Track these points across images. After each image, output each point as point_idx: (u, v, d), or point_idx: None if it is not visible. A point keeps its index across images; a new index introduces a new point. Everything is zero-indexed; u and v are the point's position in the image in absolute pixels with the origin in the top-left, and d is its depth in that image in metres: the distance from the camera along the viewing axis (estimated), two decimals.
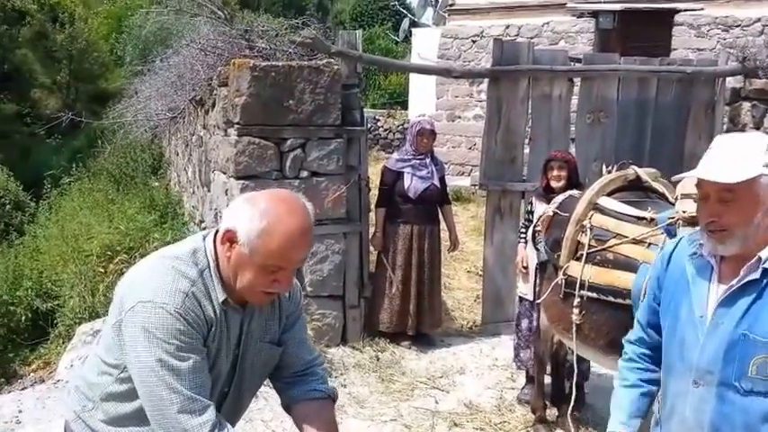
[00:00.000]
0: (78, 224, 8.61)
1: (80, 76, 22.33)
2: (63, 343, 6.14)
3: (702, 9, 11.61)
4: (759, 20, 11.29)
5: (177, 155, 10.61)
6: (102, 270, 6.83)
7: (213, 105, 6.59)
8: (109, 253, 7.06)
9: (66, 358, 5.46)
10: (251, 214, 1.93)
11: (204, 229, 6.29)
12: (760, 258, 1.93)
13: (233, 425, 2.12)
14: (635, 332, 2.39)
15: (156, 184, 10.77)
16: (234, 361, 2.12)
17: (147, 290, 1.94)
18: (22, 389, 5.43)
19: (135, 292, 1.96)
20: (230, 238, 1.96)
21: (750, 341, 1.91)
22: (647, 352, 2.33)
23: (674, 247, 2.22)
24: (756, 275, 1.93)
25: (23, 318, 6.71)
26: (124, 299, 1.98)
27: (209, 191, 6.94)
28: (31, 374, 6.09)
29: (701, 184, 1.99)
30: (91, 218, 8.71)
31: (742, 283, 1.95)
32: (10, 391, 5.50)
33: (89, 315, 6.17)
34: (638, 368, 2.34)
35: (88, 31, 22.72)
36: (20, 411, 4.74)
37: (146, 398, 1.93)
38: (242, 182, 5.40)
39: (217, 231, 2.03)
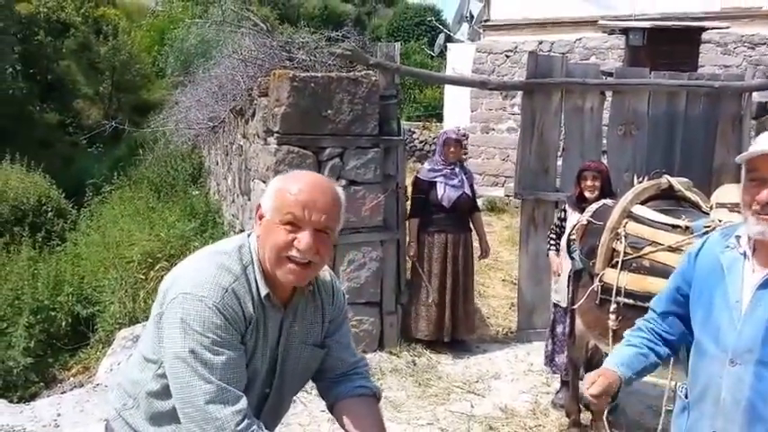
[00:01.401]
0: (119, 231, 8.67)
1: (122, 86, 22.70)
2: (103, 348, 6.20)
3: (729, 27, 11.75)
4: None
5: (217, 164, 10.74)
6: (143, 277, 6.90)
7: (253, 115, 6.69)
8: (149, 260, 7.15)
9: (105, 363, 5.52)
10: (271, 184, 2.03)
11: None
12: None
13: (273, 427, 2.15)
14: (646, 316, 2.51)
15: (197, 192, 10.84)
16: (273, 362, 2.11)
17: (190, 283, 1.95)
18: (62, 393, 5.49)
19: (178, 285, 1.98)
20: (259, 214, 2.01)
21: None
22: (655, 328, 2.44)
23: (702, 246, 2.31)
24: None
25: (64, 323, 6.76)
26: (168, 291, 2.00)
27: (249, 199, 7.02)
28: (71, 379, 6.14)
29: (758, 166, 2.05)
30: (132, 225, 8.77)
31: None
32: (49, 395, 5.54)
33: (129, 321, 6.23)
34: (642, 336, 2.45)
35: (131, 44, 23.08)
36: (58, 415, 4.79)
37: (176, 389, 1.92)
38: None
39: None
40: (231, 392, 1.90)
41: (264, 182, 5.87)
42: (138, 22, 26.16)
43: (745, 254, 2.14)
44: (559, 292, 5.14)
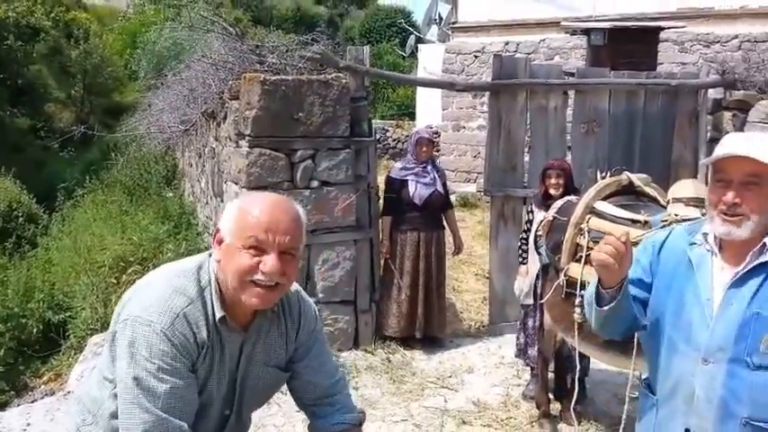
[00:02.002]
0: (91, 236, 8.56)
1: (94, 90, 22.53)
2: (74, 354, 6.14)
3: (685, 27, 12.10)
4: (737, 36, 11.79)
5: (191, 166, 10.72)
6: (115, 281, 6.82)
7: (225, 118, 6.70)
8: (122, 264, 7.05)
9: (77, 370, 5.46)
10: (230, 207, 1.96)
11: None
12: (765, 244, 2.06)
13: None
14: None
15: (171, 194, 10.75)
16: (232, 384, 2.06)
17: (141, 305, 1.90)
18: (32, 401, 5.43)
19: (131, 305, 1.93)
20: (218, 238, 1.94)
21: (763, 318, 2.03)
22: None
23: (666, 237, 2.34)
24: (766, 258, 2.06)
25: (35, 330, 6.66)
26: (121, 311, 1.95)
27: (222, 201, 7.03)
28: (42, 387, 6.04)
29: (725, 168, 2.09)
30: (104, 229, 8.68)
31: (752, 266, 2.07)
32: (20, 404, 5.46)
33: (101, 326, 6.16)
34: None
35: (102, 47, 22.93)
36: (28, 424, 4.74)
37: (120, 413, 1.89)
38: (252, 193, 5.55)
39: None
40: (171, 423, 1.85)
41: (237, 183, 5.91)
42: (109, 26, 25.97)
43: (712, 251, 2.18)
44: (523, 291, 5.26)
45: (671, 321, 2.25)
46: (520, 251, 5.45)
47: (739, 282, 2.10)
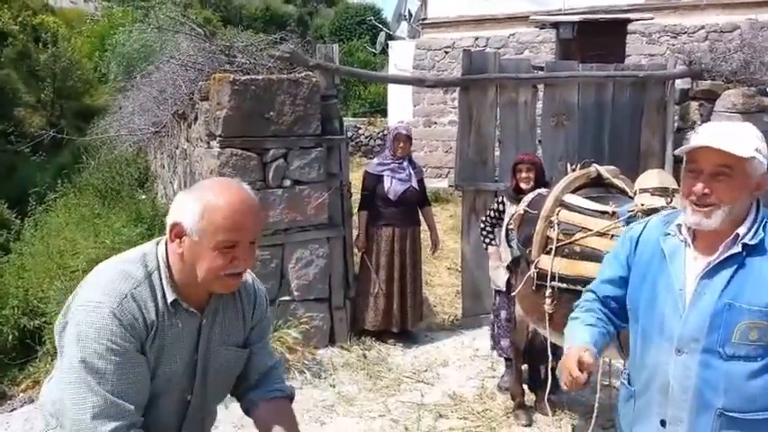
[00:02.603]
0: (64, 240, 8.44)
1: (64, 93, 22.24)
2: (51, 360, 5.93)
3: (653, 18, 12.27)
4: (703, 27, 12.01)
5: (163, 167, 10.65)
6: None
7: (195, 119, 6.67)
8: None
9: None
10: (189, 201, 1.95)
11: None
12: (737, 234, 2.09)
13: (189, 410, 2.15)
14: (588, 298, 2.50)
15: (143, 197, 10.71)
16: (192, 367, 2.08)
17: (89, 291, 1.93)
18: (12, 410, 5.36)
19: (79, 294, 1.96)
20: (178, 232, 1.95)
21: (735, 309, 2.05)
22: (602, 309, 2.44)
23: (643, 229, 2.36)
24: (737, 249, 2.08)
25: (11, 337, 6.56)
26: (71, 301, 1.98)
27: None
28: (21, 395, 5.91)
29: (696, 158, 2.11)
30: (77, 233, 8.56)
31: (724, 256, 2.10)
32: None
33: None
34: (597, 316, 2.42)
35: (71, 50, 22.65)
36: None
37: (69, 399, 1.87)
38: None
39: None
40: (121, 407, 1.86)
41: None
42: (77, 29, 25.70)
43: (686, 242, 2.20)
44: (498, 278, 5.30)
45: (645, 312, 2.27)
46: (483, 233, 5.45)
47: (711, 272, 2.12)
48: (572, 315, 2.52)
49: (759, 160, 2.07)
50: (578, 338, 2.33)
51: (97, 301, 1.90)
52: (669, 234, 2.24)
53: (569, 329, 2.45)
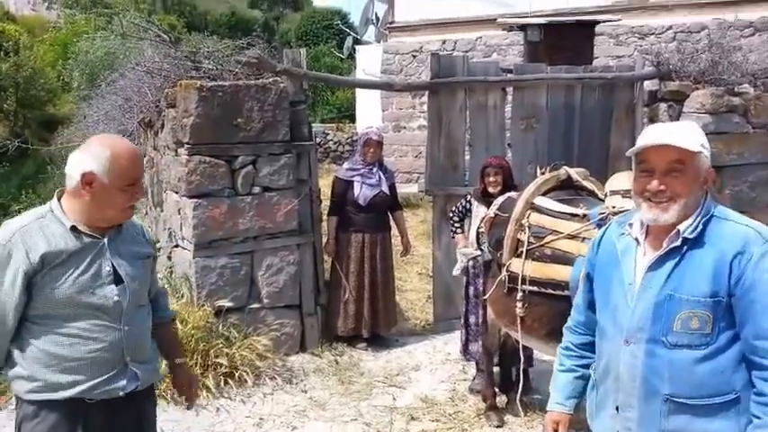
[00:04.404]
0: None
1: (27, 103, 21.87)
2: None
3: (620, 19, 12.33)
4: (671, 27, 12.09)
5: None
6: None
7: (162, 126, 6.59)
8: None
9: None
10: (95, 154, 2.43)
11: (160, 249, 6.40)
12: (678, 230, 2.20)
13: (147, 337, 2.70)
14: (574, 317, 2.66)
15: None
16: (116, 277, 2.53)
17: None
18: None
19: None
20: (89, 179, 2.42)
21: (675, 300, 2.18)
22: (584, 340, 2.60)
23: (603, 234, 2.51)
24: (678, 243, 2.21)
25: None
26: None
27: (162, 210, 6.96)
28: None
29: (648, 158, 2.24)
30: None
31: (665, 250, 2.22)
32: None
33: None
34: (573, 355, 2.63)
35: (34, 59, 22.35)
36: None
37: None
38: (194, 200, 5.47)
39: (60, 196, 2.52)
40: None
41: (177, 192, 5.85)
42: (39, 37, 25.33)
43: (637, 239, 2.32)
44: (468, 255, 5.31)
45: (601, 307, 2.44)
46: (451, 222, 5.64)
47: (656, 265, 2.25)
48: (558, 348, 2.75)
49: (705, 155, 2.22)
50: (554, 394, 2.65)
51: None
52: (623, 234, 2.37)
53: (554, 374, 2.71)
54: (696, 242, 2.20)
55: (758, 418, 2.13)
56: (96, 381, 2.49)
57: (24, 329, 2.46)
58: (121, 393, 2.56)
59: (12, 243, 2.39)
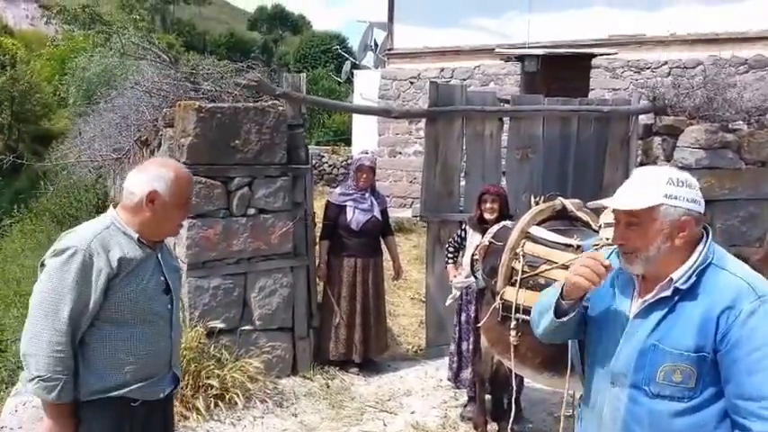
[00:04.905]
0: (20, 266, 8.36)
1: (22, 117, 21.90)
2: (6, 388, 5.93)
3: (617, 53, 12.52)
4: (666, 63, 12.22)
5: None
6: None
7: (159, 146, 6.60)
8: None
9: (10, 404, 5.22)
10: (159, 175, 2.67)
11: None
12: (671, 279, 2.16)
13: (175, 341, 2.88)
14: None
15: None
16: (164, 285, 2.76)
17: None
18: None
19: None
20: (153, 197, 2.65)
21: (659, 351, 2.14)
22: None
23: (608, 256, 2.38)
24: (668, 293, 2.16)
25: None
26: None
27: None
28: None
29: (615, 211, 2.26)
30: (33, 260, 8.37)
31: (655, 298, 2.18)
32: None
33: None
34: None
35: (30, 73, 22.43)
36: None
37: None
38: (189, 220, 5.44)
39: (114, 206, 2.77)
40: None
41: None
42: (37, 52, 25.43)
43: (632, 279, 2.30)
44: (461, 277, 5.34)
45: (594, 339, 2.40)
46: (446, 251, 5.70)
47: (644, 312, 2.22)
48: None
49: (670, 205, 2.16)
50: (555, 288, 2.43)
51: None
52: (622, 271, 2.33)
53: (543, 295, 2.60)
54: (688, 293, 2.16)
55: None
56: (145, 383, 2.69)
57: (87, 332, 2.60)
58: (162, 395, 2.80)
59: (92, 248, 2.55)
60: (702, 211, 2.21)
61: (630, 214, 2.19)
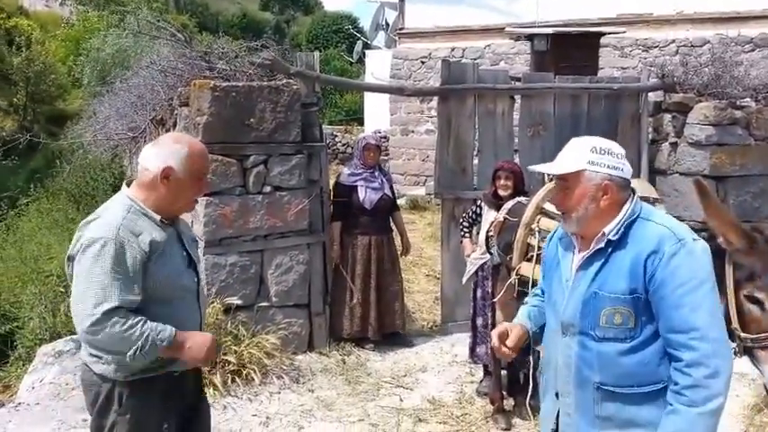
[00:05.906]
0: (37, 245, 8.36)
1: (37, 97, 21.91)
2: (24, 365, 5.97)
3: (625, 32, 12.50)
4: (674, 41, 12.19)
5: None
6: (63, 290, 6.57)
7: (174, 125, 6.62)
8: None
9: (27, 381, 5.31)
10: (173, 150, 2.66)
11: None
12: (604, 233, 2.38)
13: (203, 313, 2.93)
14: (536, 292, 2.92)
15: None
16: (189, 260, 2.81)
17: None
18: None
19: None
20: (167, 173, 2.65)
21: (600, 297, 2.36)
22: (542, 296, 2.83)
23: (553, 234, 2.73)
24: (602, 245, 2.39)
25: None
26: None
27: None
28: None
29: (551, 176, 2.58)
30: (50, 238, 8.52)
31: (592, 251, 2.42)
32: None
33: (50, 336, 6.01)
34: (534, 303, 2.86)
35: (45, 54, 22.39)
36: None
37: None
38: (206, 198, 5.49)
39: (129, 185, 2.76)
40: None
41: None
42: (52, 32, 25.42)
43: (572, 241, 2.54)
44: (476, 254, 5.40)
45: (546, 301, 2.69)
46: (461, 227, 5.76)
47: (584, 265, 2.45)
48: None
49: (593, 171, 2.40)
50: (518, 317, 2.82)
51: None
52: (566, 234, 2.58)
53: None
54: (619, 243, 2.37)
55: (671, 405, 2.28)
56: None
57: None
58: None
59: (121, 236, 2.55)
60: (625, 177, 2.43)
61: (561, 178, 2.46)
